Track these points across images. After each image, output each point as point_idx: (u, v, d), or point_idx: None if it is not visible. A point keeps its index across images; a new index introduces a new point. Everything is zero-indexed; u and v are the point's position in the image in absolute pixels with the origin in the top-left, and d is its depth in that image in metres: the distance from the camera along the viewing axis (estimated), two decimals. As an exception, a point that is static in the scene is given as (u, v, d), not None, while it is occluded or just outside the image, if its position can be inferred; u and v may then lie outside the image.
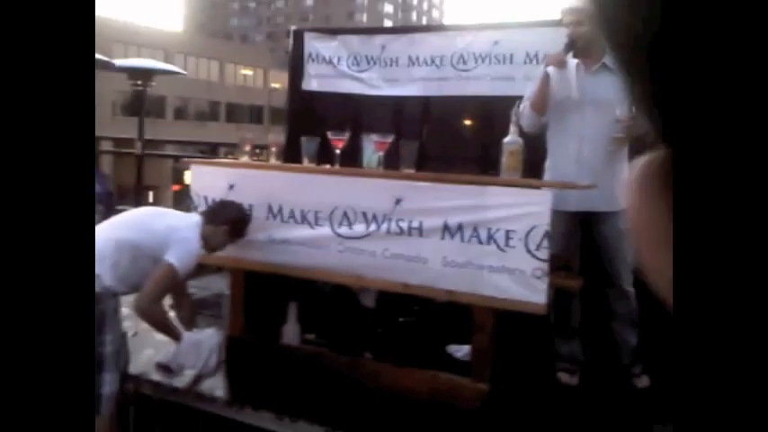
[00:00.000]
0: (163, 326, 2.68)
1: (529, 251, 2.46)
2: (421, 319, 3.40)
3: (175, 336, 2.68)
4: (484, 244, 2.54)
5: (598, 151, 2.78)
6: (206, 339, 2.70)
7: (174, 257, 2.52)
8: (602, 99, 2.74)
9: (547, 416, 2.66)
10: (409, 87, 3.93)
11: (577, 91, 2.78)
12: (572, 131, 2.83)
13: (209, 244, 2.73)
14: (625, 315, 2.90)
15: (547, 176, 2.92)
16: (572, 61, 2.81)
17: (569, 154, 2.83)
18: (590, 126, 2.77)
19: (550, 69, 2.78)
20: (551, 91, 2.81)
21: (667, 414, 2.71)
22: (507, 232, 2.49)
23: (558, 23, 2.90)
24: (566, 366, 2.98)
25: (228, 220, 2.77)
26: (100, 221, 2.65)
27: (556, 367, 2.99)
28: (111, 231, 2.57)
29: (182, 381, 2.76)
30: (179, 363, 2.68)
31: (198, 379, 2.75)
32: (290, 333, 3.13)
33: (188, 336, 2.69)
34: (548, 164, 2.94)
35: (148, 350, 3.01)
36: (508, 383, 2.75)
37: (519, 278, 2.48)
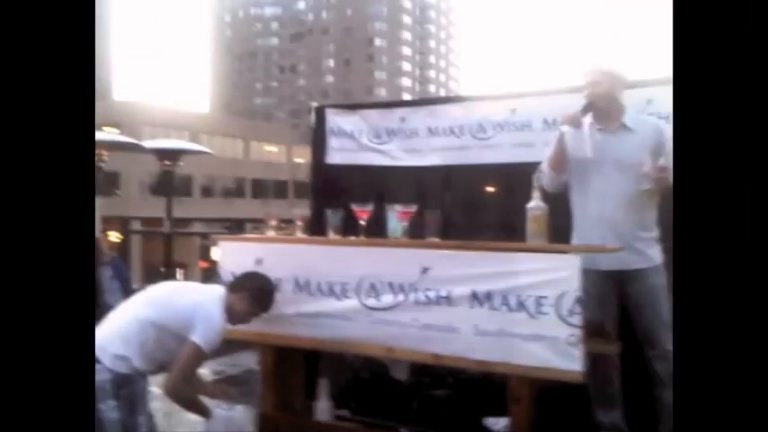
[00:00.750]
0: (192, 406, 2.65)
1: (561, 317, 2.41)
2: (455, 390, 3.31)
3: (206, 413, 2.64)
4: (514, 311, 2.50)
5: (621, 211, 2.76)
6: (237, 416, 2.66)
7: (199, 337, 2.51)
8: (622, 159, 2.75)
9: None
10: (429, 157, 3.99)
11: (595, 151, 2.79)
12: (593, 192, 2.82)
13: (232, 315, 2.70)
14: (667, 376, 2.76)
15: (574, 239, 2.90)
16: (587, 121, 2.84)
17: (592, 215, 2.82)
18: (612, 185, 2.76)
19: (565, 128, 2.81)
20: (569, 151, 2.82)
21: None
22: (538, 299, 2.46)
23: (572, 90, 2.94)
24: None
25: (251, 288, 2.76)
26: (117, 299, 2.67)
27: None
28: (134, 310, 2.59)
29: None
30: None
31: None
32: (323, 409, 3.07)
33: (218, 413, 2.65)
34: (575, 225, 2.92)
35: (181, 429, 2.97)
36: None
37: (553, 345, 2.42)
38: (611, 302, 2.83)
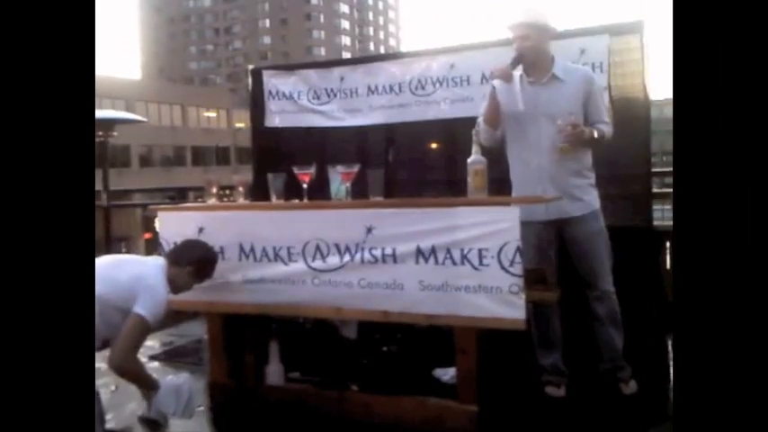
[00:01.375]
0: (139, 378, 2.62)
1: (503, 268, 2.47)
2: (404, 345, 3.38)
3: (153, 385, 2.61)
4: (458, 265, 2.55)
5: (556, 160, 2.82)
6: (184, 383, 2.64)
7: (142, 308, 2.48)
8: (554, 110, 2.80)
9: (537, 430, 2.65)
10: (370, 116, 3.98)
11: (527, 104, 2.82)
12: (529, 144, 2.87)
13: (174, 285, 2.69)
14: (607, 316, 2.91)
15: (513, 190, 2.95)
16: (517, 74, 2.87)
17: (529, 166, 2.88)
18: (546, 137, 2.81)
19: (496, 83, 2.84)
20: (502, 105, 2.86)
21: (657, 418, 2.72)
22: (480, 251, 2.51)
23: (510, 42, 2.96)
24: (551, 379, 2.98)
25: (193, 261, 2.74)
26: None
27: (542, 381, 3.00)
28: None
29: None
30: (159, 411, 2.61)
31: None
32: (274, 372, 3.08)
33: (165, 382, 2.63)
34: (512, 178, 2.97)
35: (131, 404, 2.94)
36: (497, 402, 2.75)
37: (496, 296, 2.49)
38: (551, 251, 2.92)
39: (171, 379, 2.65)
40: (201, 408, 2.73)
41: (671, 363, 3.36)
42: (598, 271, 2.89)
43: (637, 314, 3.14)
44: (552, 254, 2.93)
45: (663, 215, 4.33)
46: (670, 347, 3.49)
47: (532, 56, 2.82)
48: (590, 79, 2.89)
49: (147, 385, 2.62)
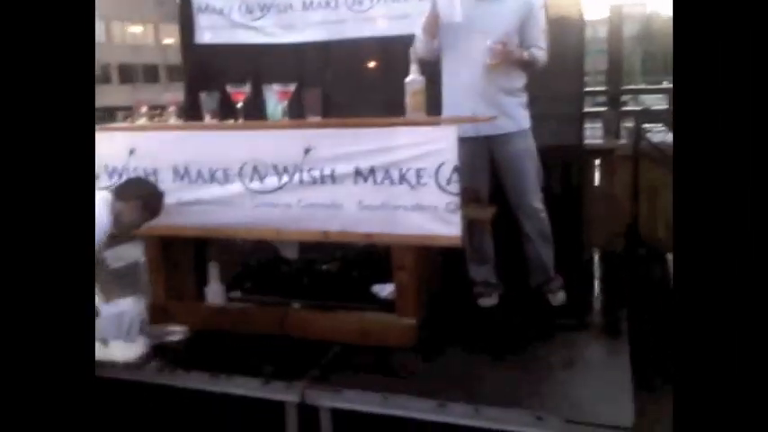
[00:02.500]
0: None
1: (440, 187, 2.53)
2: (344, 264, 3.45)
3: None
4: (396, 184, 2.59)
5: (489, 77, 2.84)
6: (125, 308, 2.63)
7: None
8: (490, 27, 2.79)
9: (470, 339, 2.80)
10: (306, 33, 3.85)
11: (465, 16, 2.79)
12: (463, 60, 2.86)
13: (120, 222, 2.59)
14: (535, 232, 3.01)
15: (444, 106, 2.95)
16: None
17: (462, 82, 2.88)
18: (478, 52, 2.80)
19: None
20: (441, 15, 2.80)
21: (579, 326, 2.92)
22: (418, 171, 2.55)
23: None
24: (482, 290, 3.12)
25: (140, 196, 2.63)
26: None
27: (474, 293, 3.13)
28: None
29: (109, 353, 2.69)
30: (101, 336, 2.61)
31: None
32: (214, 292, 3.10)
33: (106, 308, 2.61)
34: (444, 93, 2.96)
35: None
36: (432, 315, 2.87)
37: (433, 214, 2.55)
38: (483, 168, 2.98)
39: (112, 305, 2.63)
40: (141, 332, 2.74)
41: (596, 276, 3.58)
42: (526, 189, 2.97)
43: (567, 230, 3.29)
44: (483, 171, 2.99)
45: (593, 134, 4.46)
46: (596, 262, 3.70)
47: None
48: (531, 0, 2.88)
49: None
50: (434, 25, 2.84)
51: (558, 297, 3.08)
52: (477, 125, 2.83)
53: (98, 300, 2.71)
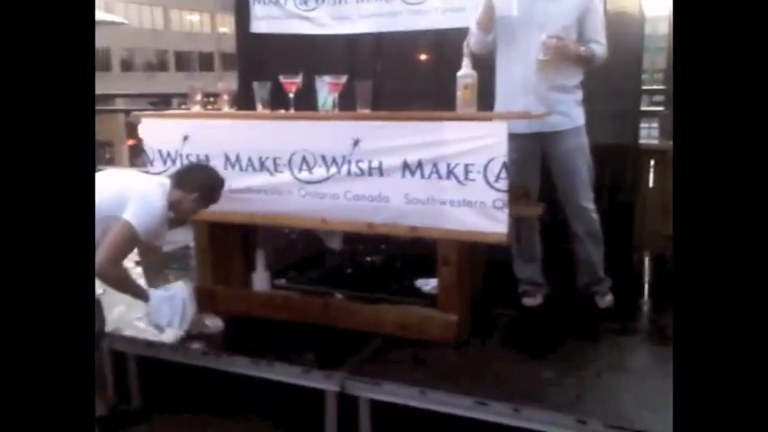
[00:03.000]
0: (125, 286, 2.58)
1: (488, 183, 2.50)
2: (388, 256, 3.46)
3: (141, 295, 2.62)
4: (444, 179, 2.57)
5: (545, 74, 2.78)
6: (177, 293, 2.67)
7: (131, 215, 2.39)
8: (547, 21, 2.74)
9: (514, 338, 2.77)
10: (359, 24, 3.84)
11: (522, 10, 2.74)
12: (517, 54, 2.82)
13: (178, 210, 2.60)
14: (584, 232, 2.95)
15: (497, 102, 2.92)
16: None
17: (514, 77, 2.84)
18: (535, 48, 2.75)
19: None
20: (497, 9, 2.76)
21: (629, 330, 2.85)
22: (466, 166, 2.52)
23: None
24: (527, 289, 3.08)
25: (198, 187, 2.60)
26: None
27: (519, 292, 3.09)
28: None
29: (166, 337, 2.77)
30: (153, 321, 2.67)
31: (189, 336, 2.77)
32: (260, 279, 3.15)
33: (156, 293, 2.65)
34: (497, 89, 2.93)
35: (120, 307, 3.01)
36: (476, 312, 2.85)
37: (480, 210, 2.53)
38: (534, 165, 2.94)
39: (162, 290, 2.67)
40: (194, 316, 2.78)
41: (646, 279, 3.49)
42: (577, 187, 2.91)
43: (618, 232, 3.21)
44: (534, 168, 2.95)
45: (649, 134, 4.33)
46: (646, 265, 3.61)
47: None
48: None
49: (136, 294, 2.62)
50: (490, 19, 2.79)
51: (606, 300, 3.02)
52: (531, 122, 2.78)
53: (148, 285, 2.76)
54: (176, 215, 2.63)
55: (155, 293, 2.64)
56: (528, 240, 3.04)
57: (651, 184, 3.73)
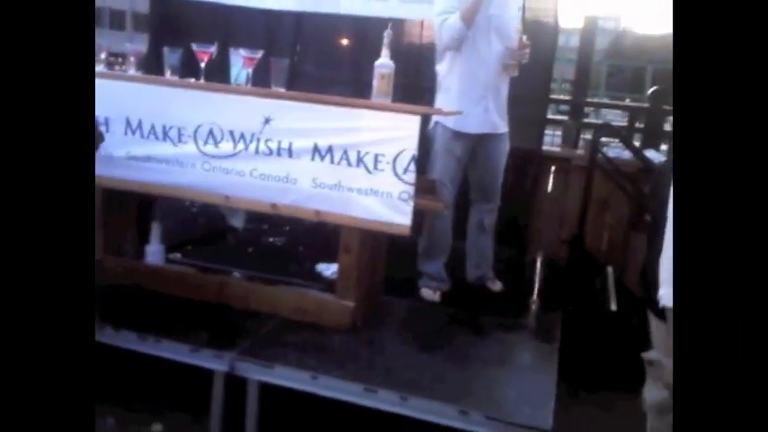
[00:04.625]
0: None
1: (396, 174, 2.52)
2: (291, 238, 3.42)
3: None
4: (353, 166, 2.57)
5: (500, 76, 2.93)
6: None
7: None
8: (502, 23, 2.85)
9: (408, 328, 2.82)
10: (281, 0, 3.78)
11: (481, 14, 2.82)
12: (479, 55, 2.89)
13: None
14: (491, 228, 3.16)
15: (446, 99, 2.95)
16: None
17: (476, 79, 2.91)
18: (495, 51, 2.88)
19: None
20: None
21: (517, 327, 2.98)
22: (376, 156, 2.53)
23: None
24: (429, 284, 3.14)
25: None
26: None
27: (419, 285, 3.15)
28: None
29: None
30: None
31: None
32: (154, 252, 3.03)
33: None
34: (449, 87, 2.96)
35: None
36: (376, 301, 2.87)
37: (386, 201, 2.55)
38: (464, 162, 3.03)
39: None
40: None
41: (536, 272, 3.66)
42: (495, 186, 3.10)
43: (513, 228, 3.36)
44: (463, 166, 3.04)
45: (552, 141, 4.53)
46: (538, 262, 3.78)
47: None
48: None
49: None
50: (476, 12, 2.80)
51: (497, 285, 3.18)
52: (482, 122, 2.91)
53: None
54: None
55: None
56: (437, 236, 3.10)
57: (550, 190, 3.91)
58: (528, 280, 3.51)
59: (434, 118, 2.97)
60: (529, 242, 3.64)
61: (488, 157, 3.04)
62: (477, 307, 3.06)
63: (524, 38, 2.85)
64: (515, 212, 3.44)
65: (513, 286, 3.24)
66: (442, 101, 2.97)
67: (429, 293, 3.13)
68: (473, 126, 2.92)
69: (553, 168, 4.03)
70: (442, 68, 2.98)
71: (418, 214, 2.64)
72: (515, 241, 3.43)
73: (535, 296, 3.34)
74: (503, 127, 3.01)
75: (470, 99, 2.92)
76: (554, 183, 4.07)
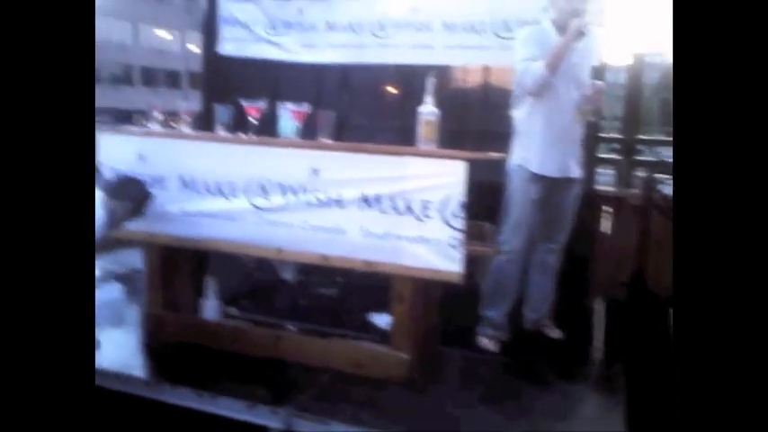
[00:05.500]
0: None
1: (445, 221, 2.49)
2: (342, 289, 3.40)
3: None
4: (402, 214, 2.55)
5: (576, 122, 2.90)
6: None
7: None
8: (579, 71, 2.85)
9: (467, 380, 2.74)
10: (327, 54, 3.86)
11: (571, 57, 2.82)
12: (559, 102, 2.86)
13: (112, 220, 2.66)
14: (554, 270, 3.07)
15: (524, 146, 2.92)
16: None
17: (555, 125, 2.87)
18: (572, 98, 2.86)
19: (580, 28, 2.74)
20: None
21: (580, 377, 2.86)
22: (424, 203, 2.51)
23: None
24: (487, 332, 3.04)
25: (131, 199, 2.73)
26: None
27: (479, 332, 3.06)
28: None
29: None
30: None
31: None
32: (210, 307, 3.06)
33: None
34: (526, 133, 2.93)
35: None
36: (432, 351, 2.80)
37: (435, 248, 2.51)
38: (539, 205, 2.95)
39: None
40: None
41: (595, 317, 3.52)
42: (565, 228, 3.04)
43: (573, 271, 3.26)
44: (538, 209, 2.97)
45: (603, 180, 4.40)
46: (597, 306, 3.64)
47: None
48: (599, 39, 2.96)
49: None
50: (561, 61, 2.78)
51: (555, 332, 3.08)
52: (561, 165, 2.89)
53: None
54: (110, 224, 2.66)
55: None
56: (501, 280, 3.01)
57: (605, 230, 3.79)
58: (588, 326, 3.38)
59: (514, 160, 2.93)
60: (588, 285, 3.52)
61: (562, 199, 2.99)
62: (536, 356, 2.95)
63: (598, 83, 2.82)
64: (575, 254, 3.33)
65: (574, 333, 3.11)
66: (520, 145, 2.94)
67: (487, 343, 3.03)
68: (553, 170, 2.88)
69: (608, 208, 3.92)
70: (519, 114, 2.95)
71: (472, 260, 2.59)
72: (575, 285, 3.31)
73: (596, 343, 3.20)
74: (578, 172, 2.97)
75: (551, 144, 2.89)
76: (608, 223, 3.94)
